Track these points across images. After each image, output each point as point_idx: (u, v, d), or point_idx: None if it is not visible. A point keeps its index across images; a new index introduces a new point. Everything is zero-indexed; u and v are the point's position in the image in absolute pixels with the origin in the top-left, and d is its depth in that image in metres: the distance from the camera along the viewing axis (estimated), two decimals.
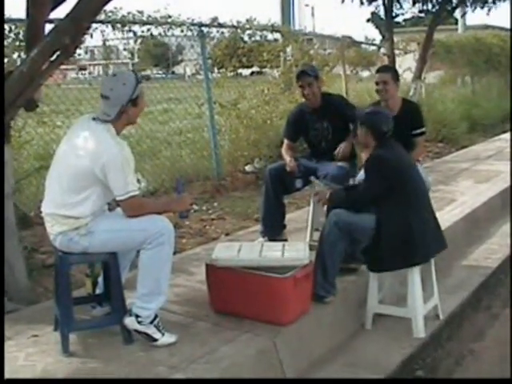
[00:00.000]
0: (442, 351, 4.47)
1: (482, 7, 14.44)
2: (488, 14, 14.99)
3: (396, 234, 4.32)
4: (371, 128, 4.48)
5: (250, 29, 9.75)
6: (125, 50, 10.09)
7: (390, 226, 4.33)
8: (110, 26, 7.38)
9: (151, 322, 3.79)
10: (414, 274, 4.45)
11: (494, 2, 14.36)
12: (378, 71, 5.87)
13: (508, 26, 16.30)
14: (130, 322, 3.79)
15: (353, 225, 4.42)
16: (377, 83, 5.61)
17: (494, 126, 14.97)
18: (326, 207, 5.43)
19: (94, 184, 3.65)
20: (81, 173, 3.63)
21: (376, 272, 4.54)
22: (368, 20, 49.89)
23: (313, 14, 45.57)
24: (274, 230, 5.67)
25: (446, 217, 6.52)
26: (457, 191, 8.23)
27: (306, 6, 36.10)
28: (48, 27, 4.96)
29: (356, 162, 5.75)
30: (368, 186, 4.49)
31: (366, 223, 4.39)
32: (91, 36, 7.18)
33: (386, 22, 13.64)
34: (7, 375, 3.48)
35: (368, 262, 4.51)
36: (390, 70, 5.78)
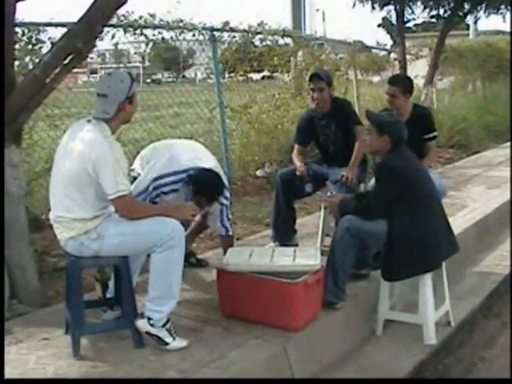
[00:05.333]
0: (452, 358, 4.45)
1: (497, 13, 14.40)
2: (504, 21, 14.94)
3: (409, 240, 4.29)
4: (394, 137, 4.42)
5: (261, 33, 9.76)
6: (136, 53, 10.12)
7: (403, 232, 4.31)
8: (121, 29, 7.39)
9: (163, 326, 3.80)
10: (426, 280, 4.43)
11: (506, 8, 14.31)
12: (388, 82, 5.81)
13: None
14: (142, 324, 3.80)
15: (365, 231, 4.40)
16: (387, 93, 5.60)
17: (505, 131, 14.90)
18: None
19: (90, 184, 3.67)
20: (76, 174, 3.66)
21: (391, 281, 4.52)
22: (379, 25, 49.83)
23: (324, 19, 45.59)
24: (285, 234, 5.67)
25: (457, 223, 6.48)
26: (468, 197, 8.20)
27: (317, 10, 36.06)
28: (61, 31, 4.99)
29: (366, 168, 5.75)
30: (378, 194, 4.46)
31: (377, 229, 4.37)
32: (102, 39, 7.18)
33: (397, 27, 13.63)
34: (18, 378, 3.51)
35: (382, 271, 4.48)
36: (400, 82, 5.62)
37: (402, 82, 5.67)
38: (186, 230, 3.92)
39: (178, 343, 3.82)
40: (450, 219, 4.67)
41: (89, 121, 3.77)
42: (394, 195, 4.32)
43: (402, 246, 4.30)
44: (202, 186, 4.59)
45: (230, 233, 4.92)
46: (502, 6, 14.28)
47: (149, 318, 3.78)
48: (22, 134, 4.73)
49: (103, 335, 3.99)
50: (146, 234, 3.74)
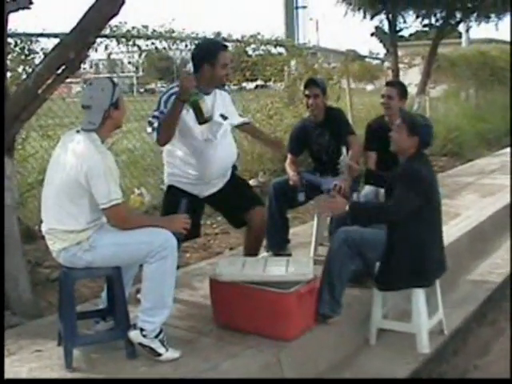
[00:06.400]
0: (446, 366, 4.43)
1: (487, 21, 14.48)
2: (497, 29, 15.05)
3: (408, 254, 4.25)
4: (423, 139, 4.35)
5: (254, 43, 9.78)
6: (129, 63, 10.12)
7: (404, 244, 4.26)
8: (114, 40, 7.42)
9: (156, 337, 3.78)
10: (418, 290, 4.42)
11: (497, 17, 14.40)
12: (386, 84, 5.95)
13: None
14: (134, 335, 3.79)
15: (363, 242, 4.36)
16: (382, 96, 5.65)
17: (498, 139, 14.95)
18: (329, 220, 5.40)
19: (84, 195, 3.67)
20: (68, 185, 3.65)
21: (384, 291, 4.50)
22: (372, 34, 50.02)
23: (317, 28, 45.52)
24: (278, 244, 5.66)
25: (450, 231, 6.49)
26: (461, 205, 8.20)
27: (311, 19, 35.95)
28: (54, 41, 4.99)
29: (357, 175, 5.75)
30: (402, 199, 4.24)
31: (376, 240, 4.33)
32: (95, 50, 7.21)
33: (389, 36, 13.69)
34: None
35: (377, 280, 4.45)
36: (398, 85, 5.76)
37: (399, 85, 5.76)
38: (178, 241, 3.90)
39: (170, 354, 3.81)
40: (444, 227, 4.66)
41: (78, 131, 3.77)
42: (418, 204, 4.20)
43: (400, 259, 4.26)
44: (197, 51, 4.62)
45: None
46: (493, 15, 14.35)
47: (141, 329, 3.76)
48: (14, 145, 4.73)
49: (96, 346, 3.97)
50: (139, 244, 3.73)
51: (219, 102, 4.65)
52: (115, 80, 3.91)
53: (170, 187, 4.71)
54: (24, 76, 5.80)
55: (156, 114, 4.38)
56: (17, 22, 5.22)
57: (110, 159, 3.71)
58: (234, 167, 4.95)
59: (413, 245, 4.27)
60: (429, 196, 4.28)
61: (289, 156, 5.90)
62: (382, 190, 4.93)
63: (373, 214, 4.38)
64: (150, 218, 4.09)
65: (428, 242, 4.32)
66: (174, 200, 4.45)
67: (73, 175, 3.62)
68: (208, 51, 4.53)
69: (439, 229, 4.50)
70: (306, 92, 5.64)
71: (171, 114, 4.26)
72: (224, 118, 4.66)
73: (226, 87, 4.96)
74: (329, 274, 4.42)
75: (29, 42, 6.41)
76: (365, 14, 13.79)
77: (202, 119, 4.21)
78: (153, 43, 8.01)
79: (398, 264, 4.29)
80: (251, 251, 4.93)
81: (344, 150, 5.04)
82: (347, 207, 4.25)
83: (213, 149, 4.55)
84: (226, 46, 4.70)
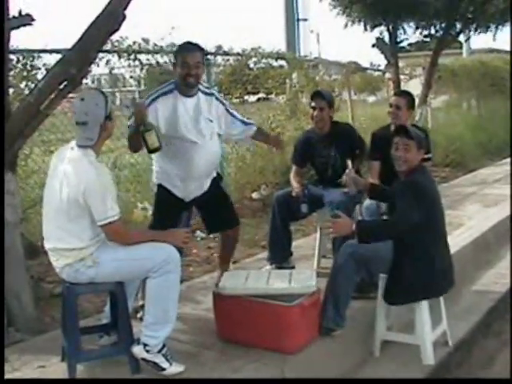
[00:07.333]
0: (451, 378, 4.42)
1: (486, 32, 14.51)
2: (494, 40, 15.07)
3: (417, 268, 4.23)
4: (426, 152, 4.40)
5: (255, 56, 9.81)
6: (131, 77, 10.17)
7: (410, 258, 4.23)
8: (116, 55, 7.44)
9: (159, 351, 3.78)
10: (422, 301, 4.41)
11: (497, 27, 14.43)
12: (395, 94, 5.97)
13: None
14: (138, 350, 3.78)
15: (369, 256, 4.34)
16: (390, 105, 5.64)
17: (501, 149, 14.94)
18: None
19: (83, 213, 3.66)
20: (67, 205, 3.65)
21: (394, 305, 4.49)
22: (373, 45, 50.15)
23: (318, 41, 45.59)
24: (281, 256, 5.66)
25: (454, 241, 6.45)
26: (464, 215, 8.20)
27: (311, 32, 35.98)
28: (56, 57, 5.00)
29: (362, 189, 5.74)
30: (406, 211, 4.18)
31: (383, 254, 4.31)
32: (97, 65, 7.23)
33: (390, 47, 13.71)
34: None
35: (385, 294, 4.42)
36: (406, 95, 5.75)
37: (408, 96, 5.75)
38: (181, 255, 3.90)
39: (174, 368, 3.81)
40: (447, 238, 4.65)
41: (72, 148, 3.75)
42: (421, 215, 4.15)
43: (409, 273, 4.24)
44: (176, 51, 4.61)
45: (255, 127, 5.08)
46: (492, 25, 14.39)
47: (145, 344, 3.76)
48: (17, 161, 4.74)
49: (100, 361, 3.96)
50: (141, 259, 3.73)
51: (203, 107, 4.63)
52: (103, 91, 3.91)
53: (159, 186, 4.74)
54: (26, 92, 5.82)
55: (129, 122, 4.37)
56: (19, 38, 5.25)
57: (106, 175, 3.72)
58: (220, 177, 5.04)
59: (419, 258, 4.24)
60: (430, 207, 4.25)
61: (293, 167, 5.91)
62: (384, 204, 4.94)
63: (381, 230, 4.30)
64: (151, 232, 4.08)
65: (434, 255, 4.30)
66: (164, 200, 4.67)
67: (71, 195, 3.62)
68: (174, 54, 4.64)
69: (446, 241, 4.48)
70: (312, 104, 5.64)
71: (131, 138, 4.35)
72: (210, 121, 4.68)
73: (217, 94, 4.93)
74: (334, 287, 4.40)
75: (31, 58, 6.43)
76: (365, 25, 13.83)
77: (148, 149, 4.24)
78: (154, 57, 8.04)
79: (405, 278, 4.26)
80: (223, 257, 5.20)
81: (349, 163, 4.98)
82: (353, 227, 4.16)
83: (197, 150, 4.55)
84: (190, 47, 4.51)
